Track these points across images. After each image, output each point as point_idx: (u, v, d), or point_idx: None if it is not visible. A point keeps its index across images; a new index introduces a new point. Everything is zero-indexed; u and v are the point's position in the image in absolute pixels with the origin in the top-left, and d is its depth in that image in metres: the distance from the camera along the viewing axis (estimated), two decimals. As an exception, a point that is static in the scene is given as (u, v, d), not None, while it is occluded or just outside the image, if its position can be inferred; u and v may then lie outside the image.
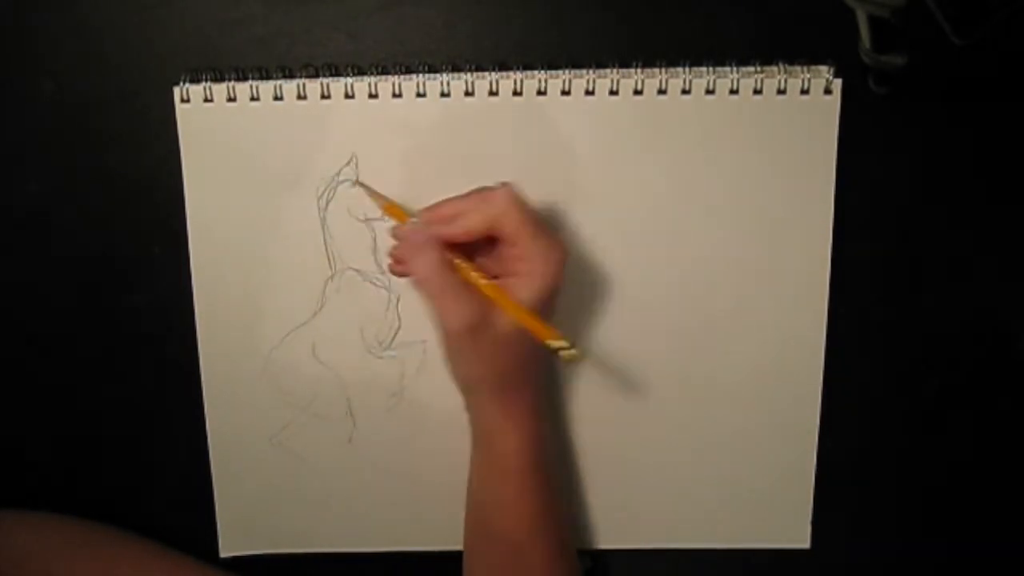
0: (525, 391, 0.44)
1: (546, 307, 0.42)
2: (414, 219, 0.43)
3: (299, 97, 0.46)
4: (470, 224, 0.41)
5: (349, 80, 0.46)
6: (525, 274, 0.41)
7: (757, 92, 0.45)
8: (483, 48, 0.47)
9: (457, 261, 0.42)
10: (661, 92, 0.45)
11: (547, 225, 0.43)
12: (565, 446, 0.50)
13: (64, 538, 0.49)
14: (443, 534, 0.50)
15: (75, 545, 0.49)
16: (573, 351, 0.41)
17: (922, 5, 0.40)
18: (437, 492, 0.49)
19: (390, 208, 0.45)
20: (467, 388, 0.44)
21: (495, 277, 0.42)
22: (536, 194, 0.46)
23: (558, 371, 0.49)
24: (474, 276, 0.42)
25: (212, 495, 0.51)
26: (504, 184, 0.42)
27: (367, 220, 0.47)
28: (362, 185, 0.46)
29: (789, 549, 0.51)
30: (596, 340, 0.48)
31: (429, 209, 0.43)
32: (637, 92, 0.46)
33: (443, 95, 0.46)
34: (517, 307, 0.41)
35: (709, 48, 0.46)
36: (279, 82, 0.46)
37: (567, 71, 0.46)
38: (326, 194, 0.47)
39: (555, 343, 0.41)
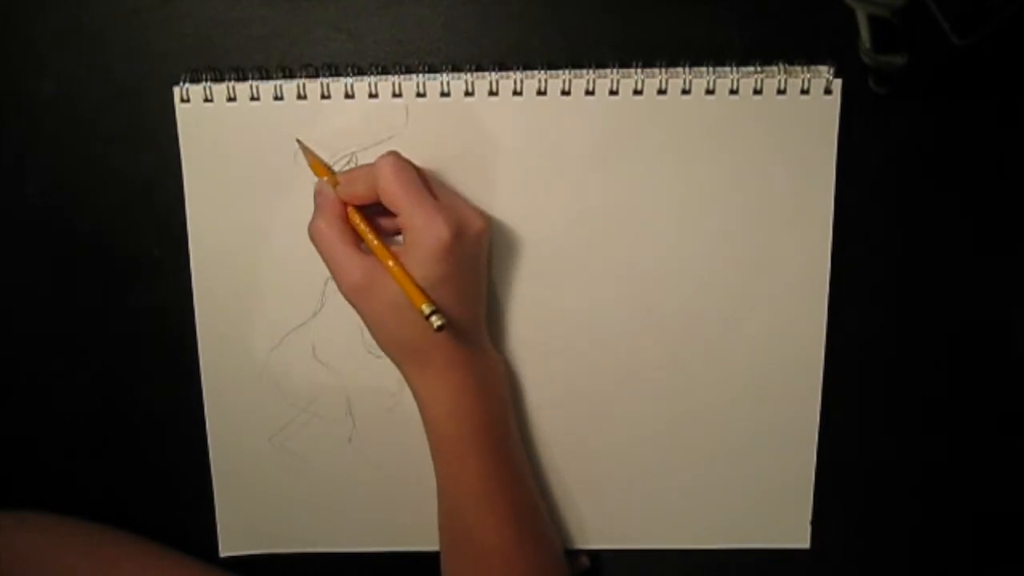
0: (437, 357, 0.43)
1: (439, 279, 0.41)
2: (324, 178, 0.45)
3: (299, 97, 0.46)
4: (355, 190, 0.43)
5: (349, 80, 0.46)
6: (409, 242, 0.42)
7: (757, 92, 0.45)
8: (483, 48, 0.47)
9: (357, 221, 0.43)
10: (661, 92, 0.45)
11: (447, 196, 0.43)
12: (564, 446, 0.49)
13: (65, 539, 0.49)
14: (443, 534, 0.50)
15: (76, 546, 0.49)
16: (437, 320, 0.40)
17: (922, 5, 0.40)
18: (435, 491, 0.49)
19: (316, 166, 0.46)
20: (394, 361, 0.45)
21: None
22: (536, 194, 0.47)
23: (557, 372, 0.49)
24: (366, 236, 0.43)
25: (212, 495, 0.51)
26: (389, 153, 0.43)
27: (367, 220, 0.47)
28: (298, 142, 0.46)
29: (789, 549, 0.51)
30: (595, 340, 0.48)
31: (343, 174, 0.45)
32: (637, 92, 0.46)
33: (443, 95, 0.46)
34: (396, 269, 0.41)
35: (709, 48, 0.46)
36: (279, 82, 0.46)
37: (567, 71, 0.46)
38: (326, 194, 0.47)
39: (422, 307, 0.40)
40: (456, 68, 0.46)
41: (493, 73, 0.46)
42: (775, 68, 0.45)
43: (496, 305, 0.48)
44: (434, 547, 0.48)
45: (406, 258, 0.42)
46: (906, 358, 0.49)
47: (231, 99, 0.46)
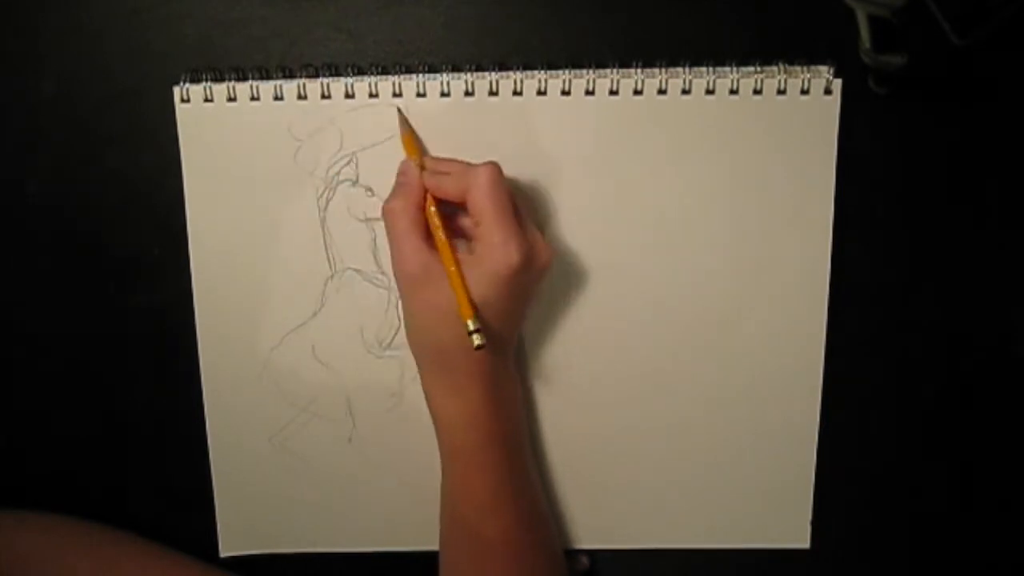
0: (463, 368, 0.43)
1: (494, 299, 0.41)
2: (414, 159, 0.44)
3: (299, 97, 0.46)
4: (446, 187, 0.43)
5: (349, 80, 0.46)
6: (478, 255, 0.42)
7: (757, 92, 0.45)
8: (483, 48, 0.47)
9: (434, 216, 0.43)
10: (661, 92, 0.45)
11: (524, 223, 0.43)
12: (564, 446, 0.49)
13: (65, 539, 0.49)
14: (443, 534, 0.50)
15: (75, 546, 0.49)
16: (478, 339, 0.40)
17: (922, 5, 0.40)
18: (437, 492, 0.49)
19: (408, 142, 0.45)
20: (417, 358, 0.45)
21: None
22: (536, 194, 0.47)
23: (558, 371, 0.49)
24: (437, 232, 0.42)
25: (212, 495, 0.51)
26: (490, 163, 0.42)
27: (367, 220, 0.47)
28: (399, 111, 0.46)
29: (789, 549, 0.51)
30: (595, 339, 0.48)
31: (433, 159, 0.45)
32: (637, 92, 0.46)
33: (443, 95, 0.46)
34: (455, 277, 0.41)
35: (709, 48, 0.46)
36: (279, 82, 0.46)
37: (567, 71, 0.46)
38: (326, 194, 0.47)
39: (468, 323, 0.40)
40: (456, 68, 0.46)
41: (493, 73, 0.46)
42: (775, 68, 0.45)
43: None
44: (434, 547, 0.48)
45: (470, 269, 0.41)
46: (906, 358, 0.49)
47: (231, 99, 0.46)
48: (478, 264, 0.41)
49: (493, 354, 0.43)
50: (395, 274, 0.43)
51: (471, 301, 0.41)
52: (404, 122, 0.46)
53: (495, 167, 0.42)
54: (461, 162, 0.44)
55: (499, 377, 0.45)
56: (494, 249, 0.41)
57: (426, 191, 0.43)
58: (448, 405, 0.44)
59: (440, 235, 0.42)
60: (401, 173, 0.45)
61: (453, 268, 0.41)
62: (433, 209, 0.43)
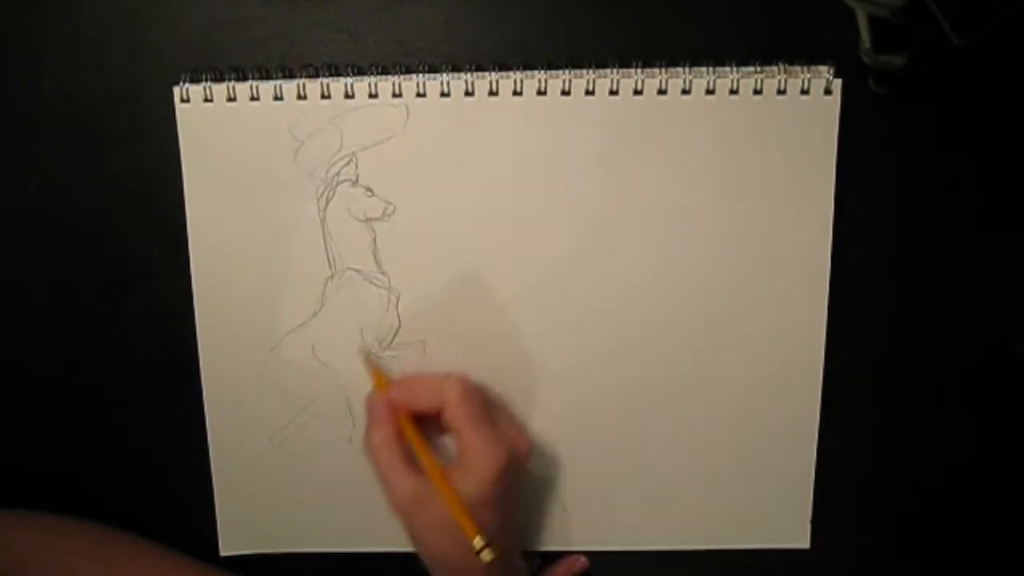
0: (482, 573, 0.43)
1: (489, 501, 0.42)
2: (380, 391, 0.46)
3: (299, 97, 0.46)
4: (414, 399, 0.44)
5: (349, 80, 0.46)
6: (464, 467, 0.43)
7: (757, 92, 0.45)
8: (483, 48, 0.47)
9: (413, 434, 0.44)
10: (661, 92, 0.45)
11: (499, 417, 0.45)
12: (564, 447, 0.49)
13: (65, 539, 0.49)
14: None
15: (76, 546, 0.48)
16: (488, 555, 0.41)
17: (922, 5, 0.40)
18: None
19: (374, 373, 0.47)
20: (431, 570, 0.45)
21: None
22: (536, 193, 0.47)
23: (557, 372, 0.49)
24: (422, 456, 0.43)
25: (212, 495, 0.51)
26: (456, 377, 0.44)
27: (367, 220, 0.47)
28: (361, 352, 0.47)
29: (789, 549, 0.51)
30: (594, 340, 0.48)
31: (400, 380, 0.46)
32: (637, 92, 0.46)
33: (443, 95, 0.46)
34: (449, 494, 0.42)
35: (709, 48, 0.46)
36: (279, 82, 0.46)
37: (567, 71, 0.46)
38: (326, 194, 0.47)
39: (475, 542, 0.41)
40: (456, 68, 0.46)
41: (493, 73, 0.46)
42: (775, 68, 0.45)
43: (496, 305, 0.48)
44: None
45: (458, 479, 0.42)
46: (906, 358, 0.49)
47: (231, 99, 0.46)
48: (468, 473, 0.42)
49: (502, 553, 0.43)
50: (390, 507, 0.43)
51: (469, 518, 0.41)
52: (367, 358, 0.47)
53: (462, 380, 0.44)
54: (428, 378, 0.45)
55: (510, 571, 0.46)
56: (480, 458, 0.42)
57: (395, 416, 0.44)
58: None
59: (427, 459, 0.43)
60: (369, 408, 0.45)
61: (448, 494, 0.42)
62: (413, 433, 0.44)
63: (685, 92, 0.45)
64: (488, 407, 0.45)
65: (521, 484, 0.46)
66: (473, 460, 0.43)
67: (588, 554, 0.51)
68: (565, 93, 0.46)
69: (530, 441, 0.46)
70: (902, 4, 0.40)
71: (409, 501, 0.43)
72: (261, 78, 0.46)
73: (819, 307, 0.48)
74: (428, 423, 0.45)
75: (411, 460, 0.44)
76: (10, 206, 0.49)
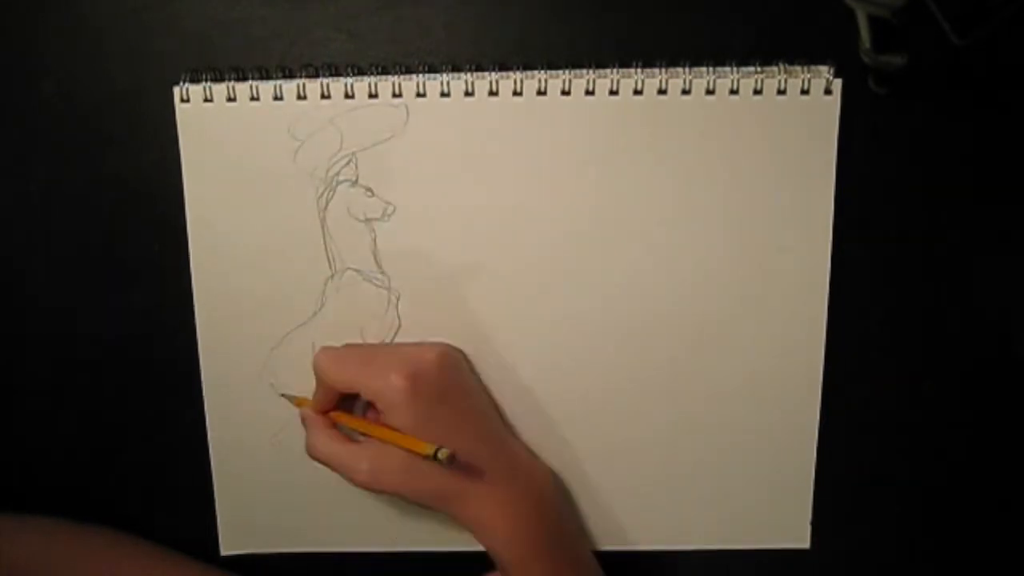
0: (473, 492, 0.44)
1: (420, 420, 0.43)
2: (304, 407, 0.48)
3: (299, 97, 0.46)
4: (319, 397, 0.46)
5: (349, 80, 0.46)
6: (381, 409, 0.44)
7: (757, 92, 0.45)
8: (483, 48, 0.47)
9: (342, 418, 0.46)
10: (661, 92, 0.45)
11: (383, 354, 0.46)
12: (564, 447, 0.49)
13: (65, 542, 0.49)
14: (443, 534, 0.50)
15: (76, 549, 0.48)
16: (443, 453, 0.41)
17: (922, 5, 0.40)
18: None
19: (297, 400, 0.48)
20: (436, 510, 0.45)
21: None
22: (536, 194, 0.47)
23: (557, 373, 0.49)
24: (352, 423, 0.46)
25: (212, 495, 0.51)
26: (323, 347, 0.46)
27: (367, 220, 0.47)
28: (284, 396, 0.49)
29: (789, 549, 0.51)
30: (595, 340, 0.48)
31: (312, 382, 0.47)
32: (637, 92, 0.46)
33: (443, 95, 0.46)
34: (385, 432, 0.43)
35: (709, 48, 0.46)
36: (279, 82, 0.46)
37: (567, 71, 0.46)
38: (326, 194, 0.47)
39: (424, 451, 0.42)
40: (456, 68, 0.46)
41: (493, 73, 0.46)
42: (775, 68, 0.45)
43: (496, 305, 0.48)
44: (434, 547, 0.48)
45: (387, 420, 0.43)
46: (906, 358, 0.49)
47: (231, 99, 0.46)
48: (387, 411, 0.43)
49: (483, 460, 0.44)
50: (360, 486, 0.44)
51: (410, 438, 0.42)
52: (291, 397, 0.49)
53: (322, 350, 0.46)
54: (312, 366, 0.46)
55: (513, 476, 0.45)
56: (380, 392, 0.43)
57: (325, 413, 0.47)
58: (484, 531, 0.44)
59: (353, 422, 0.46)
60: (303, 420, 0.47)
61: (378, 430, 0.44)
62: (340, 415, 0.46)
63: (685, 92, 0.45)
64: (377, 347, 0.47)
65: (459, 386, 0.46)
66: (380, 399, 0.43)
67: (588, 554, 0.51)
68: (565, 93, 0.46)
69: (443, 349, 0.46)
70: (902, 4, 0.40)
71: (369, 466, 0.44)
72: (261, 78, 0.46)
73: (819, 307, 0.48)
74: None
75: (350, 440, 0.45)
76: (10, 206, 0.49)
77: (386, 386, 0.43)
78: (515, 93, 0.46)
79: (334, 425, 0.46)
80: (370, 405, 0.45)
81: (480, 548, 0.49)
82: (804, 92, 0.45)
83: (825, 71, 0.45)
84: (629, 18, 0.46)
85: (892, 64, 0.44)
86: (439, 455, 0.41)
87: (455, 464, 0.42)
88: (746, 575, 0.51)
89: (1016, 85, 0.46)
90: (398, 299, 0.48)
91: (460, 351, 0.48)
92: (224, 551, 0.51)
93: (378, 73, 0.46)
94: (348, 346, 0.47)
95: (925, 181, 0.48)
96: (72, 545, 0.49)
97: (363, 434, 0.45)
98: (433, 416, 0.43)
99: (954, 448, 0.50)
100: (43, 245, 0.49)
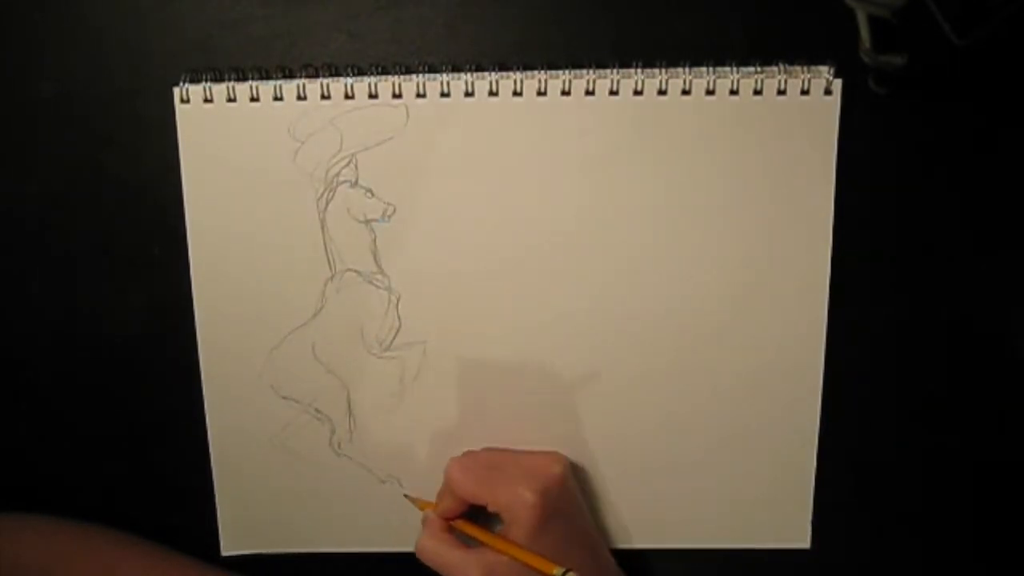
0: None
1: (544, 535, 0.44)
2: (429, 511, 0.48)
3: (299, 97, 0.46)
4: (447, 506, 0.47)
5: (349, 80, 0.46)
6: (507, 524, 0.44)
7: (757, 92, 0.45)
8: (483, 48, 0.47)
9: (463, 527, 0.47)
10: (661, 92, 0.45)
11: (511, 467, 0.46)
12: (563, 447, 0.49)
13: (65, 542, 0.49)
14: (443, 534, 0.50)
15: (76, 549, 0.48)
16: (573, 573, 0.42)
17: (922, 5, 0.40)
18: (435, 492, 0.49)
19: (421, 504, 0.49)
20: None
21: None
22: (536, 194, 0.47)
23: (556, 373, 0.49)
24: (471, 531, 0.46)
25: (213, 495, 0.51)
26: (452, 461, 0.47)
27: (367, 221, 0.47)
28: (407, 497, 0.50)
29: (789, 549, 0.51)
30: (594, 340, 0.48)
31: (439, 493, 0.48)
32: (637, 92, 0.46)
33: (443, 95, 0.46)
34: (506, 544, 0.44)
35: (709, 48, 0.46)
36: (279, 82, 0.46)
37: (567, 71, 0.46)
38: (326, 195, 0.47)
39: (554, 573, 0.42)
40: (456, 68, 0.46)
41: (493, 73, 0.46)
42: (775, 68, 0.45)
43: (496, 306, 0.48)
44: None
45: (512, 536, 0.44)
46: (906, 358, 0.49)
47: (231, 99, 0.46)
48: (514, 527, 0.44)
49: (591, 570, 0.45)
50: None
51: (537, 555, 0.43)
52: (414, 499, 0.50)
53: (456, 461, 0.47)
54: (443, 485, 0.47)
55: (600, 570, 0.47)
56: (511, 509, 0.44)
57: (446, 520, 0.47)
58: None
59: (475, 532, 0.46)
60: (424, 521, 0.48)
61: (506, 545, 0.44)
62: (462, 524, 0.47)
63: (685, 92, 0.45)
64: (500, 457, 0.47)
65: (572, 497, 0.47)
66: (509, 515, 0.44)
67: (588, 554, 0.51)
68: (565, 93, 0.46)
69: (564, 462, 0.47)
70: (902, 4, 0.40)
71: (482, 573, 0.44)
72: (261, 78, 0.46)
73: (819, 307, 0.48)
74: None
75: (464, 547, 0.45)
76: (10, 206, 0.49)
77: (516, 500, 0.44)
78: (515, 93, 0.46)
79: (449, 528, 0.47)
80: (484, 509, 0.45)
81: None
82: (804, 92, 0.45)
83: (825, 71, 0.45)
84: (629, 18, 0.46)
85: (892, 64, 0.44)
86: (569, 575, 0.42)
87: None
88: (746, 575, 0.51)
89: (1016, 85, 0.46)
90: (398, 300, 0.48)
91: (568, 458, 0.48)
92: (224, 551, 0.51)
93: (378, 73, 0.46)
94: (473, 454, 0.48)
95: (925, 181, 0.48)
96: (72, 545, 0.49)
97: (477, 540, 0.45)
98: (552, 530, 0.44)
99: (954, 448, 0.50)
100: (43, 245, 0.49)
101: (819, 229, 0.47)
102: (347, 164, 0.47)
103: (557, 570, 0.42)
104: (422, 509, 0.49)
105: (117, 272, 0.49)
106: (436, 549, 0.45)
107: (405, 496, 0.50)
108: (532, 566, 0.43)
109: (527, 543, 0.44)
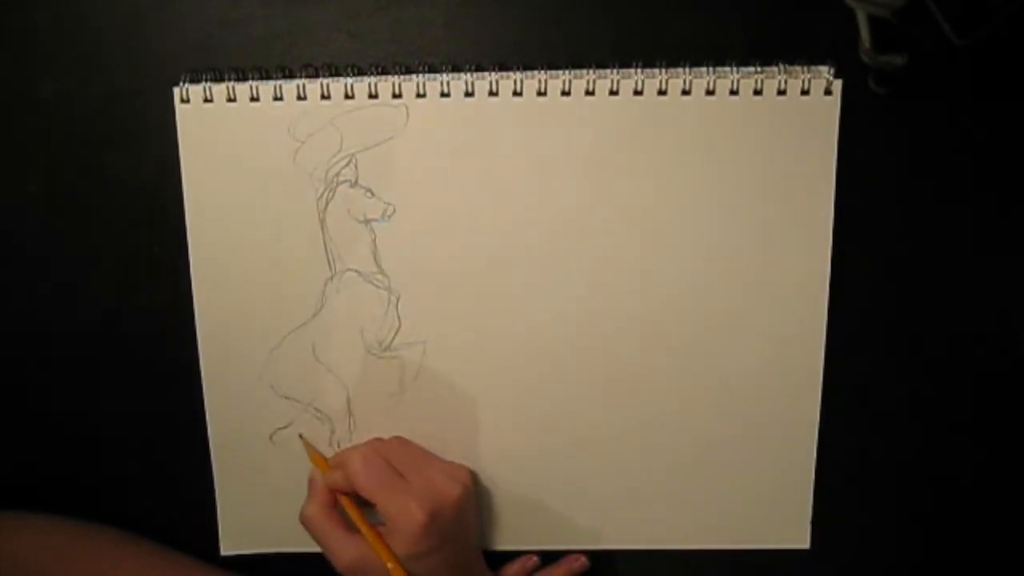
0: None
1: (424, 554, 0.44)
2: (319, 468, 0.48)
3: (299, 97, 0.46)
4: (336, 480, 0.46)
5: (349, 80, 0.46)
6: (388, 530, 0.44)
7: (757, 93, 0.45)
8: (483, 48, 0.47)
9: (348, 505, 0.46)
10: (661, 93, 0.45)
11: (421, 466, 0.46)
12: (563, 447, 0.49)
13: (65, 541, 0.49)
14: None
15: (76, 548, 0.48)
16: None
17: (922, 5, 0.40)
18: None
19: (315, 457, 0.48)
20: None
21: None
22: (536, 194, 0.47)
23: (558, 372, 0.49)
24: (355, 520, 0.46)
25: (213, 494, 0.51)
26: (358, 447, 0.47)
27: (367, 221, 0.47)
28: (300, 437, 0.49)
29: (789, 549, 0.51)
30: (595, 340, 0.48)
31: (334, 458, 0.48)
32: (637, 92, 0.46)
33: (443, 95, 0.46)
34: (383, 551, 0.44)
35: (709, 48, 0.46)
36: (279, 82, 0.46)
37: (567, 71, 0.46)
38: (326, 195, 0.47)
39: None
40: (456, 68, 0.46)
41: (493, 73, 0.46)
42: (775, 68, 0.45)
43: (496, 306, 0.48)
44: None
45: (390, 540, 0.44)
46: (906, 358, 0.49)
47: (231, 99, 0.46)
48: (394, 534, 0.44)
49: None
50: (338, 570, 0.45)
51: (406, 571, 0.43)
52: (308, 444, 0.49)
53: (362, 449, 0.47)
54: (344, 453, 0.48)
55: None
56: (396, 519, 0.44)
57: (332, 491, 0.47)
58: None
59: (362, 524, 0.45)
60: (310, 484, 0.48)
61: (382, 551, 0.44)
62: (347, 504, 0.46)
63: (685, 92, 0.45)
64: (406, 461, 0.46)
65: (463, 521, 0.46)
66: (395, 523, 0.44)
67: (587, 554, 0.51)
68: (565, 93, 0.46)
69: (466, 483, 0.46)
70: (902, 4, 0.40)
71: (354, 561, 0.44)
72: (261, 78, 0.46)
73: (819, 307, 0.48)
74: None
75: (348, 526, 0.46)
76: (11, 206, 0.49)
77: (404, 513, 0.44)
78: (515, 93, 0.46)
79: (333, 503, 0.47)
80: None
81: (481, 548, 0.49)
82: (804, 92, 0.45)
83: (825, 71, 0.45)
84: (629, 18, 0.46)
85: (892, 64, 0.44)
86: None
87: None
88: (746, 575, 0.51)
89: (1016, 85, 0.46)
90: (398, 299, 0.48)
91: (476, 479, 0.49)
92: (224, 551, 0.51)
93: (378, 73, 0.46)
94: (382, 448, 0.47)
95: (925, 181, 0.48)
96: (72, 544, 0.49)
97: (355, 527, 0.46)
98: (433, 552, 0.44)
99: (954, 448, 0.50)
100: (43, 245, 0.49)
101: (819, 229, 0.47)
102: (347, 164, 0.47)
103: None
104: (311, 459, 0.48)
105: (117, 272, 0.49)
106: (321, 524, 0.46)
107: (300, 436, 0.49)
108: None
109: (402, 556, 0.44)
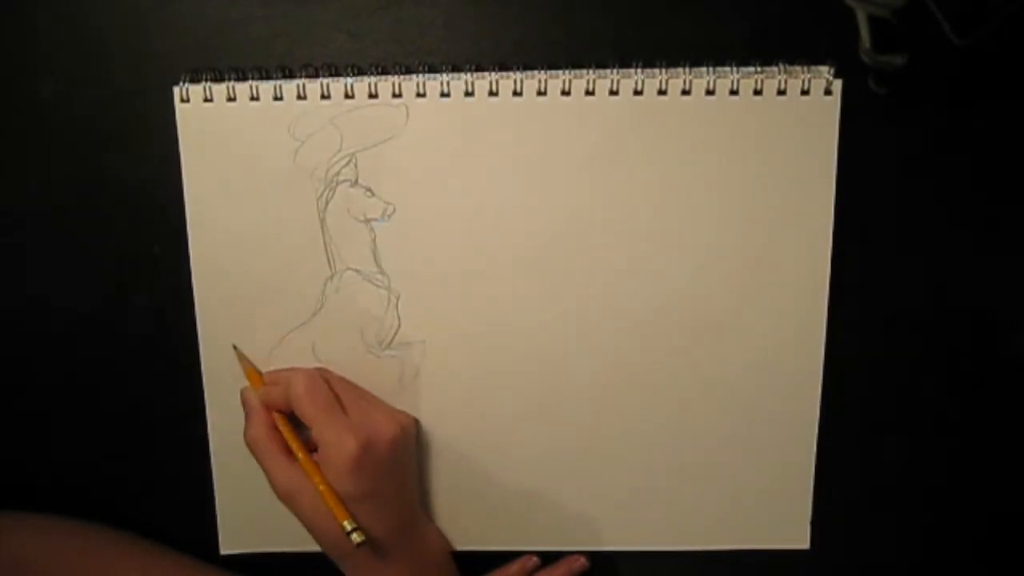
0: (366, 560, 0.45)
1: (353, 487, 0.43)
2: (254, 386, 0.48)
3: (299, 97, 0.46)
4: (276, 401, 0.46)
5: (349, 80, 0.46)
6: (321, 458, 0.44)
7: (757, 93, 0.45)
8: (483, 48, 0.47)
9: (284, 426, 0.46)
10: (661, 93, 0.45)
11: (361, 403, 0.46)
12: (563, 447, 0.49)
13: (64, 540, 0.49)
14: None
15: (76, 547, 0.48)
16: (357, 536, 0.42)
17: (922, 5, 0.40)
18: (435, 491, 0.49)
19: (249, 372, 0.48)
20: (335, 560, 0.47)
21: None
22: (536, 194, 0.47)
23: (557, 372, 0.49)
24: (288, 439, 0.46)
25: (212, 494, 0.51)
26: (303, 371, 0.46)
27: (367, 220, 0.47)
28: (235, 348, 0.48)
29: (789, 549, 0.51)
30: (595, 340, 0.48)
31: (269, 376, 0.48)
32: (637, 92, 0.46)
33: (443, 95, 0.46)
34: (319, 483, 0.44)
35: (709, 48, 0.46)
36: (279, 82, 0.46)
37: (567, 71, 0.46)
38: (326, 194, 0.47)
39: (344, 525, 0.43)
40: (456, 68, 0.46)
41: (493, 73, 0.46)
42: (775, 68, 0.45)
43: (496, 305, 0.48)
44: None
45: (324, 471, 0.44)
46: (906, 358, 0.49)
47: (231, 99, 0.46)
48: (327, 465, 0.44)
49: (389, 540, 0.45)
50: (276, 494, 0.45)
51: (339, 501, 0.43)
52: (241, 356, 0.48)
53: (306, 372, 0.46)
54: (284, 372, 0.47)
55: (409, 556, 0.46)
56: (330, 447, 0.44)
57: (269, 411, 0.46)
58: None
59: (298, 450, 0.45)
60: (244, 402, 0.47)
61: (316, 481, 0.44)
62: (283, 426, 0.46)
63: (685, 92, 0.45)
64: (349, 394, 0.46)
65: (399, 465, 0.46)
66: (326, 451, 0.44)
67: (587, 554, 0.51)
68: (565, 93, 0.46)
69: (405, 426, 0.46)
70: (902, 4, 0.40)
71: (288, 488, 0.44)
72: (261, 78, 0.46)
73: (819, 307, 0.48)
74: None
75: (289, 450, 0.45)
76: (10, 206, 0.49)
77: (337, 442, 0.44)
78: (515, 93, 0.46)
79: (273, 425, 0.46)
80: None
81: (482, 548, 0.49)
82: (804, 92, 0.45)
83: (825, 71, 0.45)
84: (629, 18, 0.46)
85: (892, 64, 0.44)
86: (353, 536, 0.42)
87: (362, 547, 0.43)
88: (746, 575, 0.51)
89: (1016, 85, 0.46)
90: (398, 299, 0.48)
91: (417, 423, 0.48)
92: (224, 550, 0.51)
93: (378, 73, 0.46)
94: (327, 378, 0.47)
95: (925, 181, 0.48)
96: (72, 543, 0.49)
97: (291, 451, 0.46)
98: (366, 491, 0.44)
99: (954, 448, 0.50)
100: (43, 245, 0.49)
101: (819, 229, 0.47)
102: (347, 163, 0.47)
103: (348, 523, 0.42)
104: (245, 373, 0.48)
105: (117, 272, 0.49)
106: (265, 447, 0.45)
107: (234, 347, 0.48)
108: (328, 502, 0.43)
109: (333, 484, 0.43)
